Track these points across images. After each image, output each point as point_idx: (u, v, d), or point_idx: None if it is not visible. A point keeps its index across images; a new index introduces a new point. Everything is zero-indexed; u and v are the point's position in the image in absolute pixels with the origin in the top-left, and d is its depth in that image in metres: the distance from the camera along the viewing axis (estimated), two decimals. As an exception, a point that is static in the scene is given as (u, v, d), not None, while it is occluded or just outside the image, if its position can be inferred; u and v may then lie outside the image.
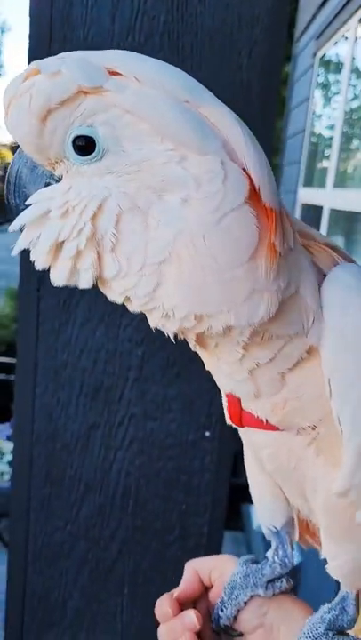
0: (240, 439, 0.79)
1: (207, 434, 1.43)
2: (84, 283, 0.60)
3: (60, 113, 0.56)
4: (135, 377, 1.40)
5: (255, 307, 0.57)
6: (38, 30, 1.25)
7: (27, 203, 0.61)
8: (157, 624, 0.83)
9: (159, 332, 1.41)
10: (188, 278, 0.56)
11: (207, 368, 0.68)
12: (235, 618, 0.82)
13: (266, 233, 0.56)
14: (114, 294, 0.60)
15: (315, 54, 6.08)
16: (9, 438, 4.58)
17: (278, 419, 0.66)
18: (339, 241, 4.85)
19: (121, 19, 1.24)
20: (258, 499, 0.83)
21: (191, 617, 0.78)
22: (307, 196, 5.80)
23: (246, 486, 0.84)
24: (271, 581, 0.82)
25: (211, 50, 1.25)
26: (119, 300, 0.61)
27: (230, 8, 1.23)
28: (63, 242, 0.59)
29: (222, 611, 0.82)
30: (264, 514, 0.83)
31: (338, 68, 5.55)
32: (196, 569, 0.86)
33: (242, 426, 0.71)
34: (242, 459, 0.83)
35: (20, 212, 0.62)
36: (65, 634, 1.53)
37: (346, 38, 5.03)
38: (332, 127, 5.58)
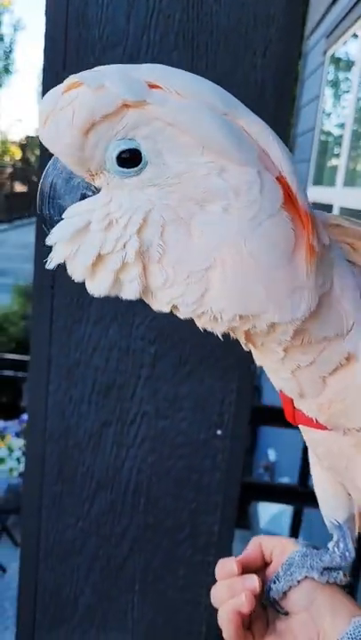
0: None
1: (219, 432, 1.43)
2: (130, 294, 0.61)
3: (102, 126, 0.57)
4: (147, 375, 1.40)
5: (297, 303, 0.60)
6: (54, 30, 1.25)
7: (63, 216, 0.61)
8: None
9: (172, 331, 1.42)
10: (232, 282, 0.58)
11: (258, 364, 0.71)
12: (285, 594, 0.83)
13: (303, 235, 0.59)
14: (160, 304, 0.61)
15: (325, 52, 6.06)
16: (17, 435, 4.61)
17: (325, 418, 0.68)
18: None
19: (136, 18, 1.24)
20: (320, 493, 0.86)
21: (253, 579, 0.80)
22: (316, 194, 5.78)
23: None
24: (328, 569, 0.83)
25: (226, 49, 1.25)
26: (166, 309, 0.62)
27: (246, 7, 1.23)
28: (105, 254, 0.59)
29: (275, 583, 0.83)
30: (326, 507, 0.85)
31: (348, 66, 5.52)
32: (262, 543, 0.88)
33: (296, 423, 0.75)
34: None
35: (55, 223, 0.62)
36: (76, 630, 1.54)
37: (356, 36, 5.00)
38: (342, 125, 5.56)
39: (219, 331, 0.63)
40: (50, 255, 0.63)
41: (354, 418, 0.66)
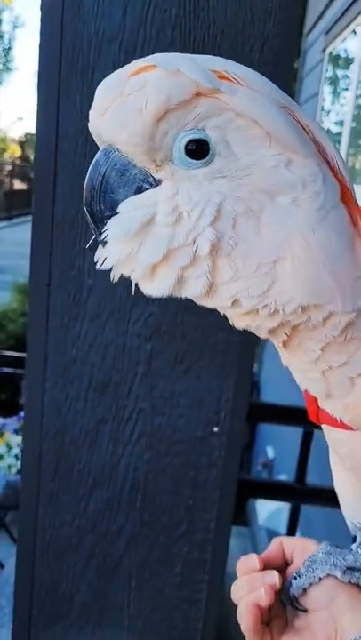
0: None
1: (215, 429, 1.43)
2: (194, 291, 0.58)
3: (175, 114, 0.55)
4: (144, 372, 1.40)
5: (359, 293, 0.60)
6: (50, 24, 1.24)
7: (119, 210, 0.58)
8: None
9: (168, 328, 1.41)
10: (303, 271, 0.58)
11: (285, 364, 0.70)
12: (304, 591, 0.82)
13: (358, 225, 0.60)
14: (221, 299, 0.59)
15: (324, 49, 6.04)
16: (16, 432, 4.61)
17: (350, 419, 0.68)
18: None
19: (132, 12, 1.23)
20: (342, 494, 0.85)
21: (274, 575, 0.80)
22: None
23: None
24: (351, 569, 0.82)
25: (222, 44, 1.25)
26: (226, 304, 0.59)
27: (242, 2, 1.23)
28: (173, 249, 0.57)
29: (295, 579, 0.83)
30: (347, 509, 0.84)
31: (347, 63, 5.51)
32: (283, 543, 0.88)
33: (319, 423, 0.75)
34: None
35: (105, 219, 0.58)
36: (72, 627, 1.54)
37: (355, 33, 4.99)
38: (340, 123, 5.55)
39: (268, 327, 0.61)
40: (103, 254, 0.59)
41: None
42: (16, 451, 4.55)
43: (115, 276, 0.60)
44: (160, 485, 1.46)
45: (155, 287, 0.58)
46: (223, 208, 0.56)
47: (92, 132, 0.61)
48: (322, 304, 0.59)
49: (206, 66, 0.56)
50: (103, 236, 0.58)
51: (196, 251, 0.56)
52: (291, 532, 1.90)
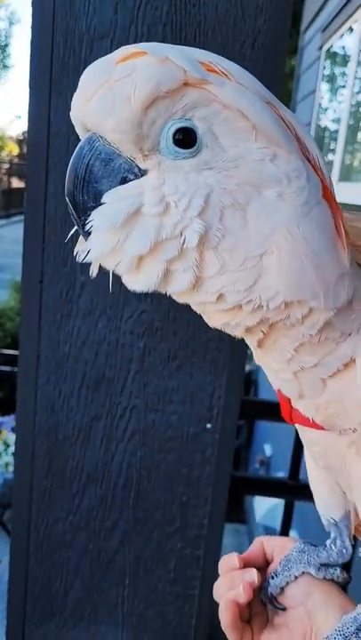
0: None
1: (208, 426, 1.43)
2: (180, 285, 0.57)
3: (164, 103, 0.54)
4: (137, 369, 1.40)
5: (339, 291, 0.60)
6: (41, 21, 1.24)
7: (103, 200, 0.56)
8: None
9: (161, 325, 1.41)
10: (288, 266, 0.57)
11: (257, 362, 0.70)
12: (282, 589, 0.85)
13: (338, 223, 0.60)
14: (205, 294, 0.58)
15: (321, 47, 6.04)
16: (14, 430, 4.61)
17: (322, 419, 0.68)
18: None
19: (124, 9, 1.23)
20: (316, 491, 0.86)
21: (252, 573, 0.82)
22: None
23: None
24: (325, 566, 0.84)
25: (214, 41, 1.25)
26: (210, 299, 0.58)
27: (234, -2, 1.23)
28: (161, 241, 0.55)
29: (273, 579, 0.85)
30: (322, 506, 0.86)
31: (344, 60, 5.50)
32: (264, 543, 0.90)
33: (293, 422, 0.76)
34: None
35: (88, 210, 0.57)
36: (66, 623, 1.54)
37: (352, 30, 4.99)
38: (337, 120, 5.55)
39: (244, 325, 0.60)
40: (84, 246, 0.57)
41: (350, 419, 0.66)
42: (13, 449, 4.55)
43: (93, 270, 0.59)
44: (153, 482, 1.46)
45: (140, 281, 0.57)
46: (211, 199, 0.56)
47: (74, 119, 0.60)
48: (305, 299, 0.59)
49: (194, 57, 0.56)
50: (87, 227, 0.57)
51: (183, 243, 0.55)
52: (285, 527, 1.91)
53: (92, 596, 1.53)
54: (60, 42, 1.25)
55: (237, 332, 0.63)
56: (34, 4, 1.24)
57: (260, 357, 0.68)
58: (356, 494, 0.74)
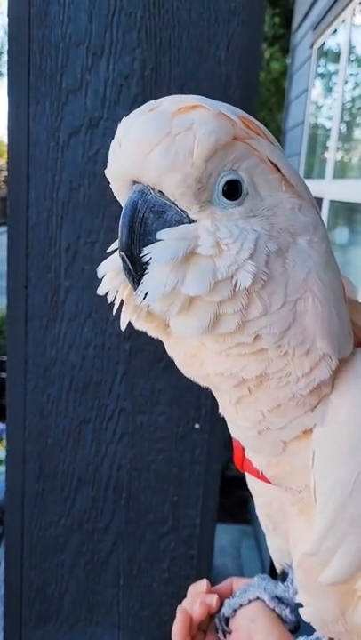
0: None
1: (197, 426, 1.44)
2: (228, 327, 0.57)
3: (218, 155, 0.56)
4: (124, 371, 1.41)
5: (350, 339, 0.64)
6: (17, 30, 1.26)
7: (159, 237, 0.56)
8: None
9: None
10: (322, 312, 0.59)
11: (221, 413, 0.70)
12: (235, 612, 0.90)
13: None
14: (244, 335, 0.58)
15: (312, 45, 6.05)
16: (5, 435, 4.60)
17: (271, 475, 0.70)
18: (339, 232, 4.83)
19: (98, 16, 1.25)
20: (269, 537, 0.89)
21: (213, 597, 0.91)
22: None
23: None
24: (279, 600, 0.88)
25: (189, 44, 1.26)
26: (247, 341, 0.58)
27: (206, 2, 1.24)
28: (217, 282, 0.56)
29: (229, 599, 0.91)
30: (274, 552, 0.89)
31: (335, 58, 5.51)
32: (233, 582, 0.97)
33: (242, 470, 0.78)
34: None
35: (143, 264, 0.56)
36: (63, 626, 1.55)
37: (342, 27, 5.00)
38: (330, 118, 5.55)
39: (240, 377, 0.60)
40: (144, 287, 0.56)
41: (298, 480, 0.67)
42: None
43: (150, 307, 0.58)
44: (144, 483, 1.47)
45: (192, 325, 0.57)
46: (259, 244, 0.57)
47: (117, 169, 0.59)
48: (330, 345, 0.60)
49: (236, 113, 0.59)
50: (144, 259, 0.56)
51: (236, 284, 0.56)
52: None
53: (88, 598, 1.54)
54: (37, 50, 1.27)
55: (226, 385, 0.62)
56: (9, 14, 1.26)
57: (227, 412, 0.68)
58: (293, 549, 0.76)
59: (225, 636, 0.90)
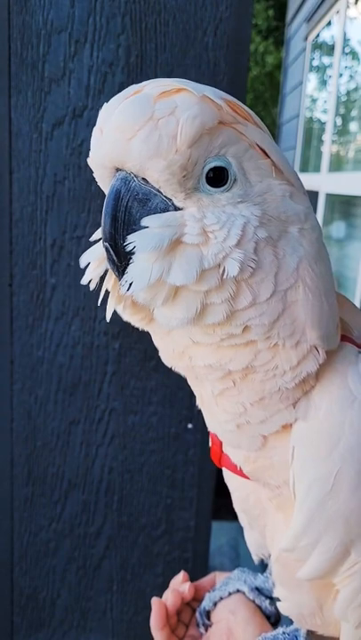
0: None
1: (190, 426, 1.40)
2: (215, 318, 0.54)
3: (204, 141, 0.53)
4: (113, 371, 1.36)
5: (338, 331, 0.62)
6: (-4, 17, 1.21)
7: (144, 224, 0.54)
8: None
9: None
10: (313, 301, 0.57)
11: (200, 406, 0.68)
12: (215, 605, 0.91)
13: None
14: (231, 326, 0.56)
15: (306, 37, 5.99)
16: None
17: (249, 470, 0.68)
18: (335, 226, 4.79)
19: (81, 1, 1.20)
20: (246, 531, 0.88)
21: (185, 585, 0.93)
22: (303, 181, 5.72)
23: None
24: (259, 591, 0.88)
25: (175, 29, 1.21)
26: (236, 332, 0.56)
27: (193, -15, 1.19)
28: (204, 271, 0.53)
29: (209, 593, 0.92)
30: (252, 545, 0.88)
31: (329, 50, 5.46)
32: (216, 576, 0.98)
33: (220, 466, 0.76)
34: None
35: (127, 254, 0.53)
36: (55, 633, 1.51)
37: (337, 19, 4.94)
38: (325, 111, 5.50)
39: (228, 369, 0.58)
40: (129, 276, 0.53)
41: (276, 475, 0.65)
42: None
43: (134, 297, 0.55)
44: (136, 485, 1.43)
45: (178, 315, 0.54)
46: (247, 230, 0.54)
47: (99, 156, 0.56)
48: (323, 335, 0.58)
49: (222, 96, 0.56)
50: (128, 248, 0.53)
51: (223, 273, 0.53)
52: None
53: (81, 604, 1.50)
54: (17, 38, 1.21)
55: (212, 376, 0.60)
56: (-12, 0, 1.20)
57: (206, 404, 0.66)
58: (270, 544, 0.75)
59: (206, 630, 0.90)
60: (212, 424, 0.68)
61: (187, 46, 1.22)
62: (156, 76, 1.21)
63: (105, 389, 1.38)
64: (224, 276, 0.53)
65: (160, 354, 0.65)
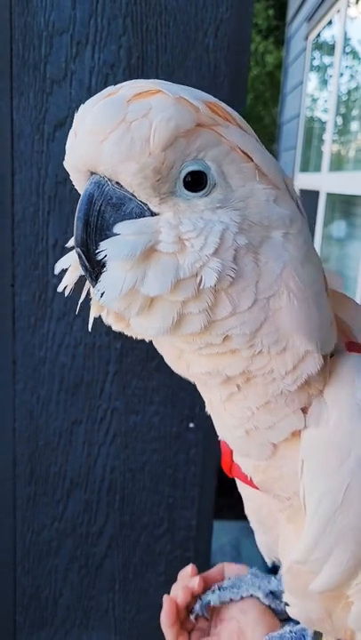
0: None
1: (191, 425, 1.40)
2: (193, 328, 0.53)
3: (180, 144, 0.51)
4: (115, 370, 1.37)
5: (333, 334, 0.60)
6: (-2, 19, 1.21)
7: (117, 231, 0.52)
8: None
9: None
10: (298, 307, 0.55)
11: (209, 412, 0.68)
12: (222, 603, 0.90)
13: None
14: (210, 336, 0.54)
15: (307, 37, 5.99)
16: None
17: (258, 480, 0.67)
18: (336, 225, 4.79)
19: (82, 3, 1.20)
20: (257, 535, 0.88)
21: (195, 580, 0.91)
22: (304, 181, 5.74)
23: None
24: (273, 594, 0.88)
25: (176, 31, 1.22)
26: (216, 342, 0.55)
27: (194, -14, 1.19)
28: (180, 281, 0.51)
29: (219, 590, 0.90)
30: (264, 549, 0.88)
31: (330, 49, 5.46)
32: (225, 567, 0.97)
33: (231, 475, 0.76)
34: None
35: (98, 262, 0.52)
36: (58, 632, 1.52)
37: (337, 18, 4.94)
38: (325, 110, 5.51)
39: (225, 375, 0.57)
40: (102, 285, 0.51)
41: (286, 487, 0.64)
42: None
43: (109, 308, 0.54)
44: (138, 484, 1.44)
45: (153, 325, 0.53)
46: (225, 238, 0.53)
47: (73, 159, 0.55)
48: (310, 341, 0.57)
49: (201, 97, 0.54)
50: (99, 257, 0.52)
51: (200, 283, 0.52)
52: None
53: (83, 603, 1.51)
54: (19, 39, 1.22)
55: (214, 382, 0.60)
56: (-10, 2, 1.21)
57: (215, 410, 0.65)
58: (282, 554, 0.75)
59: (196, 619, 0.91)
60: (221, 430, 0.68)
61: (187, 48, 1.23)
62: (156, 78, 1.22)
63: (107, 389, 1.38)
64: (201, 286, 0.52)
65: (165, 360, 0.66)
